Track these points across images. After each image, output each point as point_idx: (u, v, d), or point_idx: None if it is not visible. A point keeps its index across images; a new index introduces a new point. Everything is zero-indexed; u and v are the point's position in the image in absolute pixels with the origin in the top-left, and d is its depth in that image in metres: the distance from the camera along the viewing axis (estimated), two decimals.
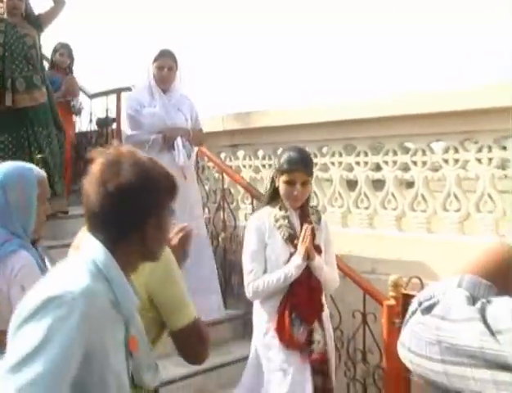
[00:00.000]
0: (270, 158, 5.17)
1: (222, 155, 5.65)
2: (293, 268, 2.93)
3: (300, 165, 2.97)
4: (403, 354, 1.03)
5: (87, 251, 1.51)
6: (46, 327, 1.30)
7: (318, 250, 3.02)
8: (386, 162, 4.28)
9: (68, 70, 6.44)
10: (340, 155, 4.61)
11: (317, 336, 2.98)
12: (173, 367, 4.14)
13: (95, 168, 1.52)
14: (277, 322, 2.97)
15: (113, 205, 1.49)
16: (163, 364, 3.88)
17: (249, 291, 3.03)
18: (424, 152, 4.07)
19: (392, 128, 4.21)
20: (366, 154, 4.42)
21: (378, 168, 4.42)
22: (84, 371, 1.36)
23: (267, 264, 3.01)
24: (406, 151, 4.22)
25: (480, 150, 3.80)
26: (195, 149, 4.76)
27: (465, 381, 0.91)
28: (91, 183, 1.51)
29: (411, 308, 1.04)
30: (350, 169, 4.58)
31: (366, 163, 4.40)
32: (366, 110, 4.28)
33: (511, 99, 3.47)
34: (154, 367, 1.82)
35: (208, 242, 4.70)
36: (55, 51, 6.34)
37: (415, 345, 1.00)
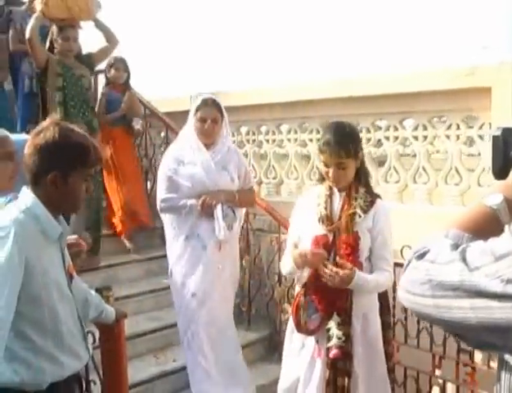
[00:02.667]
0: (233, 135, 5.61)
1: None
2: (289, 266, 2.91)
3: (332, 147, 2.75)
4: (402, 295, 1.22)
5: (21, 198, 2.08)
6: None
7: (354, 237, 2.80)
8: None
9: (125, 86, 5.66)
10: (296, 132, 5.07)
11: (336, 330, 2.79)
12: (145, 321, 4.64)
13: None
14: (293, 304, 2.92)
15: (33, 158, 2.04)
16: (136, 319, 4.41)
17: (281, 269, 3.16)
18: (368, 130, 4.55)
19: (341, 108, 4.65)
20: (317, 131, 4.87)
21: None
22: (30, 282, 1.94)
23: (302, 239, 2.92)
24: None
25: (416, 128, 4.29)
26: (243, 212, 4.05)
27: (451, 310, 1.09)
28: (26, 147, 2.07)
29: (408, 258, 1.22)
30: (304, 145, 5.04)
31: (317, 139, 4.85)
32: (318, 92, 4.72)
33: (439, 84, 3.97)
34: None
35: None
36: (109, 66, 5.60)
37: (411, 286, 1.18)
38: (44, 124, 2.09)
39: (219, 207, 3.61)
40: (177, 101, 5.86)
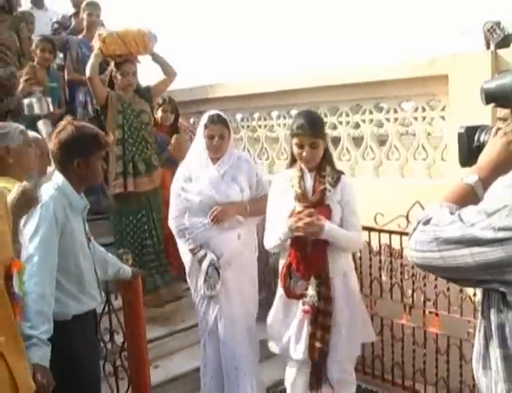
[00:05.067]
0: (230, 122, 6.17)
1: (191, 120, 6.69)
2: (281, 234, 3.24)
3: (306, 129, 3.19)
4: (411, 254, 1.49)
5: (54, 179, 2.76)
6: (37, 217, 2.59)
7: (326, 209, 3.23)
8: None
9: (172, 128, 5.58)
10: (284, 118, 5.69)
11: (311, 291, 3.23)
12: None
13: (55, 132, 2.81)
14: (280, 276, 3.36)
15: (59, 151, 2.75)
16: None
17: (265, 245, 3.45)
18: (347, 114, 5.14)
19: (323, 96, 5.21)
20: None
21: None
22: (62, 239, 2.63)
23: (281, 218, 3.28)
24: (335, 112, 5.25)
25: (388, 111, 4.87)
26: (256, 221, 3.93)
27: (455, 258, 1.37)
28: (52, 140, 2.79)
29: (413, 226, 1.52)
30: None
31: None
32: (303, 82, 5.26)
33: (406, 73, 4.54)
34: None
35: None
36: (157, 106, 5.45)
37: (420, 246, 1.44)
38: (62, 124, 2.77)
39: (205, 263, 3.69)
40: (176, 93, 6.39)
